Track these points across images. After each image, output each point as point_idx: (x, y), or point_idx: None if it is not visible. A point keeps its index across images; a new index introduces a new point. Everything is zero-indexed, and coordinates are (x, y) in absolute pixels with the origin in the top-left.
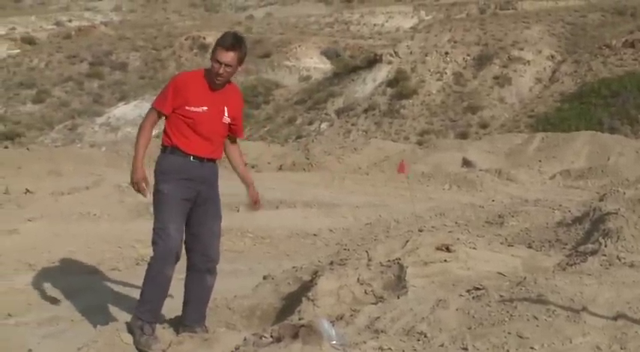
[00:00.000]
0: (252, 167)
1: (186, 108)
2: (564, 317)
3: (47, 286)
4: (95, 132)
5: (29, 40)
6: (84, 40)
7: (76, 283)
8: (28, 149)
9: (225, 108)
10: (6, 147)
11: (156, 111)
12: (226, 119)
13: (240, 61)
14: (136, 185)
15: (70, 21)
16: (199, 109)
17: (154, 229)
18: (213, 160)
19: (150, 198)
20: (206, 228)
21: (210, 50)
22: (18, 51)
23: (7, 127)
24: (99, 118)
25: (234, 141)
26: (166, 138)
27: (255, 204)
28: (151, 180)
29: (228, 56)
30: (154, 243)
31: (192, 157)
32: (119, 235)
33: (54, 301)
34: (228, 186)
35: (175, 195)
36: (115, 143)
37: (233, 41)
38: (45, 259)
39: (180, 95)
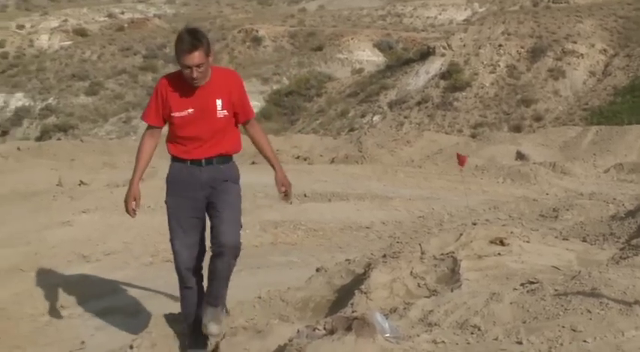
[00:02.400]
0: (305, 159)
1: (172, 114)
2: (617, 311)
3: (101, 278)
4: None
5: (81, 32)
6: (137, 33)
7: (130, 275)
8: (82, 141)
9: (219, 101)
10: (59, 139)
11: (147, 125)
12: (222, 112)
13: (208, 53)
14: (125, 204)
15: (122, 13)
16: (184, 113)
17: (169, 240)
18: (216, 158)
19: (135, 218)
20: (216, 216)
21: (174, 53)
22: (70, 43)
23: (59, 119)
24: None
25: (248, 125)
26: (168, 147)
27: (282, 191)
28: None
29: (194, 57)
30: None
31: (189, 163)
32: None
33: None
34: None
35: (179, 209)
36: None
37: (192, 40)
38: (99, 251)
39: (164, 103)
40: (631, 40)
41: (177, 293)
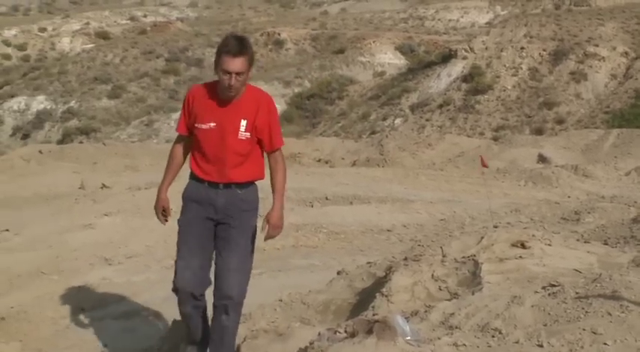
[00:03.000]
0: (326, 162)
1: (196, 125)
2: (637, 313)
3: (123, 280)
4: (171, 128)
5: (103, 35)
6: (159, 36)
7: (151, 278)
8: (104, 144)
9: (243, 122)
10: (81, 142)
11: (178, 134)
12: (243, 134)
13: (251, 64)
14: (155, 213)
15: (144, 16)
16: (206, 126)
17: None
18: (234, 185)
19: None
20: (220, 261)
21: (214, 59)
22: (92, 46)
23: (82, 122)
24: (175, 114)
25: (271, 155)
26: (190, 160)
27: (267, 227)
28: None
29: (237, 63)
30: None
31: (207, 184)
32: None
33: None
34: (301, 181)
35: (189, 229)
36: None
37: (238, 45)
38: (121, 254)
39: (191, 112)
40: None
41: None
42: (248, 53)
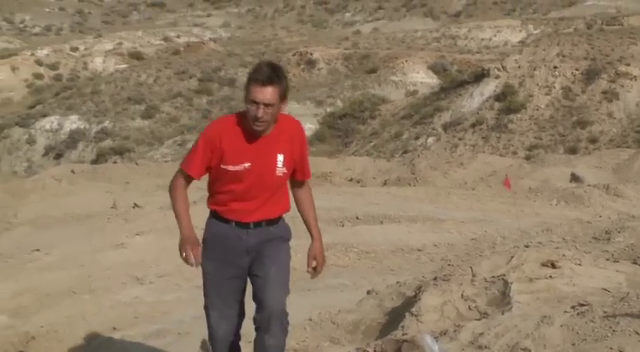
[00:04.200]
0: (357, 182)
1: (222, 167)
2: None
3: (154, 299)
4: None
5: (137, 55)
6: (192, 56)
7: (182, 297)
8: (137, 164)
9: (280, 157)
10: (115, 162)
11: (182, 173)
12: (281, 170)
13: (283, 96)
14: (183, 255)
15: (178, 36)
16: (239, 167)
17: (204, 306)
18: (265, 222)
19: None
20: (258, 279)
21: (245, 87)
22: (125, 66)
23: (116, 142)
24: None
25: (300, 185)
26: (208, 198)
27: (312, 265)
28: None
29: (267, 93)
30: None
31: (234, 224)
32: None
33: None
34: (332, 200)
35: (218, 275)
36: None
37: (269, 73)
38: (152, 273)
39: (214, 152)
40: None
41: None
42: (280, 83)
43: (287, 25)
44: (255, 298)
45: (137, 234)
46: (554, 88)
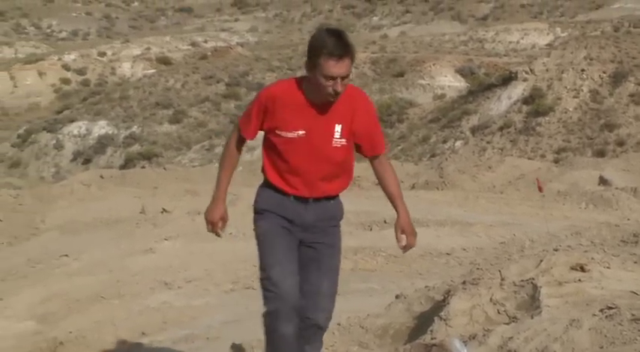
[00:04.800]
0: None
1: (277, 132)
2: None
3: (183, 304)
4: None
5: (164, 60)
6: (220, 61)
7: (211, 302)
8: (165, 169)
9: (338, 127)
10: (143, 167)
11: (238, 132)
12: (339, 141)
13: (353, 61)
14: (209, 225)
15: (205, 41)
16: (293, 134)
17: (260, 280)
18: (325, 198)
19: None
20: (307, 284)
21: (308, 58)
22: (153, 71)
23: (144, 147)
24: None
25: (376, 160)
26: (262, 167)
27: (401, 240)
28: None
29: (343, 66)
30: (263, 297)
31: (292, 197)
32: (254, 254)
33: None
34: (360, 204)
35: (275, 231)
36: (251, 163)
37: (342, 44)
38: (181, 278)
39: (267, 116)
40: None
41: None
42: (353, 51)
43: (314, 30)
44: (302, 308)
45: (165, 239)
46: (582, 90)
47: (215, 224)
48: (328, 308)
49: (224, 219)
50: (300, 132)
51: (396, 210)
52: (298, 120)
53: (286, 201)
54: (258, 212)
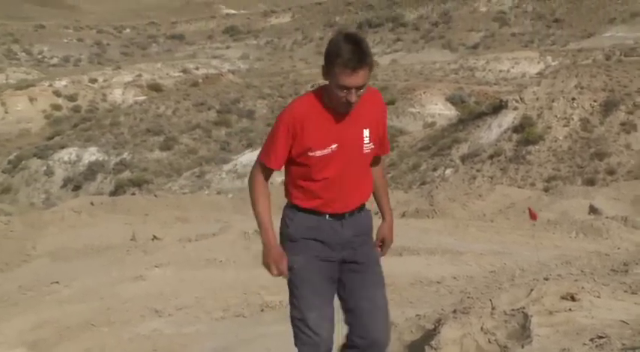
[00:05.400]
0: (376, 214)
1: (309, 154)
2: None
3: (173, 332)
4: (222, 179)
5: (156, 87)
6: (211, 88)
7: (201, 329)
8: (155, 196)
9: (366, 132)
10: (133, 194)
11: (262, 166)
12: (368, 146)
13: (372, 69)
14: (274, 269)
15: (197, 68)
16: (327, 151)
17: (291, 318)
18: (357, 210)
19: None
20: (363, 301)
21: (324, 65)
22: (145, 97)
23: (134, 174)
24: (226, 165)
25: (377, 162)
26: (287, 193)
27: (378, 244)
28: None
29: (359, 77)
30: (295, 337)
31: (327, 216)
32: (245, 282)
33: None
34: None
35: (313, 272)
36: (242, 190)
37: (359, 54)
38: (171, 305)
39: (297, 140)
40: None
41: (246, 348)
42: (371, 61)
43: (305, 57)
44: (355, 317)
45: (156, 266)
46: (573, 119)
47: (278, 263)
48: (386, 324)
49: (283, 258)
50: (334, 146)
51: (382, 215)
52: (330, 135)
53: (322, 221)
54: (292, 240)
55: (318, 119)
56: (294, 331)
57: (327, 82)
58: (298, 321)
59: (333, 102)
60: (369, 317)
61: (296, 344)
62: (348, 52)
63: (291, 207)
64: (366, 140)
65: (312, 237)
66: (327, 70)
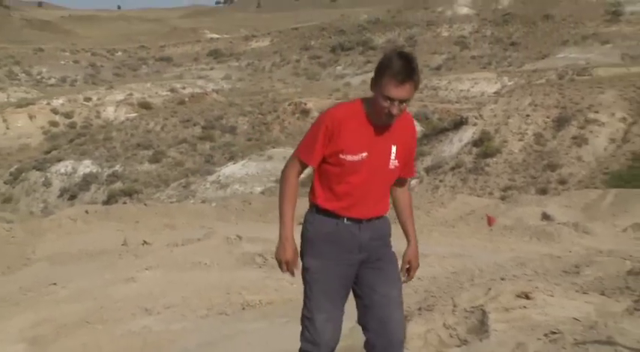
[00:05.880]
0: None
1: (341, 156)
2: None
3: (161, 329)
4: (207, 189)
5: (145, 105)
6: (196, 106)
7: (187, 326)
8: (145, 205)
9: (393, 148)
10: (124, 203)
11: (299, 162)
12: (394, 163)
13: (417, 88)
14: (283, 265)
15: (183, 88)
16: (357, 157)
17: (301, 315)
18: (375, 218)
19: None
20: (378, 296)
21: (374, 77)
22: (135, 115)
23: (125, 185)
24: (210, 177)
25: (402, 184)
26: (312, 193)
27: (404, 268)
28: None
29: (405, 90)
30: (301, 334)
31: (345, 219)
32: (227, 283)
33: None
34: None
35: (328, 275)
36: (224, 199)
37: (408, 68)
38: (160, 304)
39: (332, 141)
40: None
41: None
42: (418, 78)
43: (283, 78)
44: (370, 315)
45: (146, 269)
46: (527, 134)
47: (290, 262)
48: (401, 320)
49: (295, 258)
50: (364, 154)
51: (408, 239)
52: (362, 142)
53: (340, 225)
54: (311, 243)
55: (355, 125)
56: (301, 326)
57: (372, 94)
58: (307, 320)
59: (375, 113)
60: (384, 312)
61: (300, 339)
62: (398, 66)
63: (311, 210)
64: (392, 156)
65: (329, 240)
66: (376, 80)
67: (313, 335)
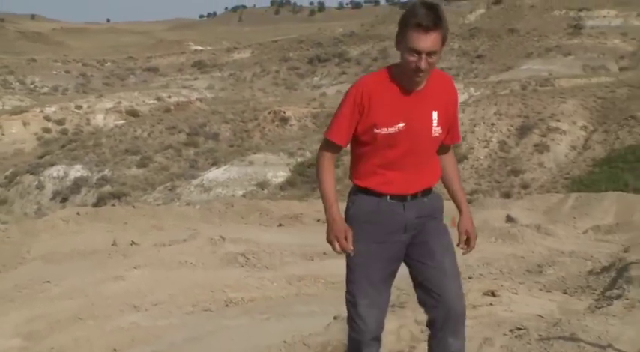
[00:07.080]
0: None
1: (375, 131)
2: None
3: (149, 324)
4: (191, 193)
5: (133, 113)
6: (181, 114)
7: (174, 322)
8: (133, 207)
9: (434, 114)
10: (113, 205)
11: (329, 142)
12: (437, 130)
13: (445, 40)
14: (336, 242)
15: (169, 97)
16: (393, 129)
17: (345, 299)
18: (423, 193)
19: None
20: (431, 270)
21: (397, 33)
22: (124, 122)
23: (114, 188)
24: (194, 180)
25: (447, 150)
26: (351, 172)
27: (463, 240)
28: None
29: (431, 40)
30: (348, 318)
31: (388, 197)
32: (211, 281)
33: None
34: (304, 237)
35: (371, 258)
36: (208, 202)
37: (432, 16)
38: (148, 301)
39: (363, 115)
40: (608, 118)
41: (212, 338)
42: (444, 26)
43: (263, 87)
44: (424, 290)
45: (134, 268)
46: (492, 141)
47: (343, 238)
48: (461, 294)
49: (347, 231)
50: (401, 125)
51: (460, 209)
52: (397, 113)
53: (382, 203)
54: (352, 224)
55: (386, 95)
56: (348, 312)
57: (397, 61)
58: (350, 304)
59: (404, 74)
60: (438, 283)
61: (348, 326)
62: (422, 13)
63: (353, 190)
64: (435, 123)
65: (372, 221)
66: (400, 35)
67: (358, 322)
